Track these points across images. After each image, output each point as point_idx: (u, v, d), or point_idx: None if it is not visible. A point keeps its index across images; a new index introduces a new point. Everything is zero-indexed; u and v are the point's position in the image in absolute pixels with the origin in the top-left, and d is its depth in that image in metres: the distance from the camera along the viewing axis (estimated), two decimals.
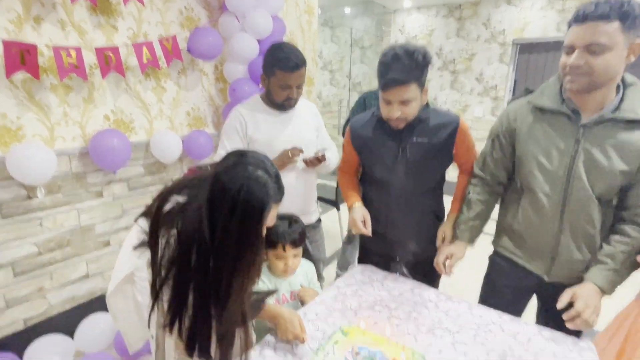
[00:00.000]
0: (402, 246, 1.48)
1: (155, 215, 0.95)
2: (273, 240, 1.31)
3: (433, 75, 5.32)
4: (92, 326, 1.91)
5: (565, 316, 1.15)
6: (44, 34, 1.68)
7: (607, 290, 1.17)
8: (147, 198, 2.18)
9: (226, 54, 2.32)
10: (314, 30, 3.15)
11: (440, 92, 5.38)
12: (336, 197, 3.22)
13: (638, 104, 1.09)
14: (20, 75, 1.63)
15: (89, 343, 1.88)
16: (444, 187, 1.55)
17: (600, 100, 1.11)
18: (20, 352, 1.74)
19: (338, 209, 3.29)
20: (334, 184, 3.24)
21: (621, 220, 1.20)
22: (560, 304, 1.18)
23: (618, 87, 1.12)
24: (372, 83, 5.60)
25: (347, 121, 2.42)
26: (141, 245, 0.98)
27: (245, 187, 0.86)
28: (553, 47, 4.55)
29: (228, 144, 1.62)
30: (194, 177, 1.02)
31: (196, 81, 2.36)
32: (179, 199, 0.97)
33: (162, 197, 0.98)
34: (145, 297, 1.11)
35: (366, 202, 1.54)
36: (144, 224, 0.98)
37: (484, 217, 1.42)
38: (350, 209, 1.53)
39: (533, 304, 1.45)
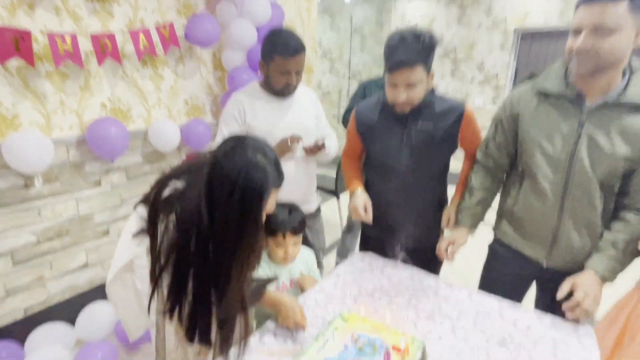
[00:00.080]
0: (404, 233, 1.47)
1: (154, 202, 0.94)
2: (273, 228, 1.30)
3: (434, 64, 5.27)
4: (93, 315, 1.92)
5: (564, 306, 1.15)
6: (38, 20, 1.65)
7: (608, 277, 1.17)
8: (145, 187, 2.16)
9: (224, 41, 2.29)
10: (313, 18, 3.11)
11: (440, 81, 5.33)
12: (336, 186, 3.21)
13: None
14: (14, 62, 1.60)
15: (90, 331, 1.88)
16: (448, 178, 1.54)
17: (605, 84, 1.10)
18: (21, 340, 1.74)
19: (338, 198, 3.28)
20: (334, 174, 3.23)
21: (623, 207, 1.19)
22: (560, 293, 1.17)
23: (624, 71, 1.11)
24: (372, 72, 5.55)
25: (347, 110, 2.40)
26: (140, 232, 0.97)
27: (244, 172, 0.85)
28: (555, 35, 4.50)
29: (227, 132, 1.60)
30: (193, 163, 1.01)
31: (194, 69, 2.33)
32: (177, 184, 0.96)
33: (161, 183, 0.97)
34: (144, 285, 1.11)
35: (369, 188, 1.53)
36: (143, 211, 0.97)
37: (485, 204, 1.42)
38: (351, 194, 1.52)
39: (532, 293, 1.45)
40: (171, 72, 2.21)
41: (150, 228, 0.94)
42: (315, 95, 1.84)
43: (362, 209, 1.42)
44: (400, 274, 1.42)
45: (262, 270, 1.35)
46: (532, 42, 4.69)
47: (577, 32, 1.06)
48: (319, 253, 1.88)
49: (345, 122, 2.41)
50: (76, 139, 1.86)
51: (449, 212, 1.46)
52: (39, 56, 1.66)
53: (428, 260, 1.50)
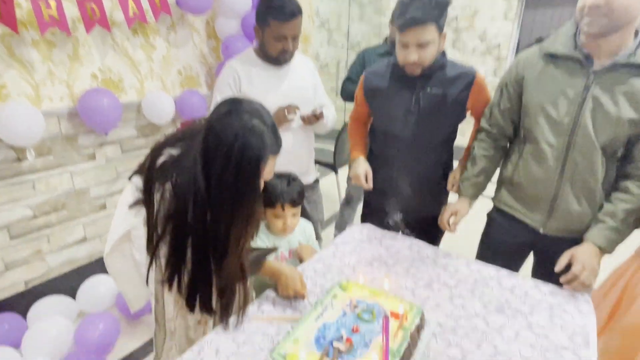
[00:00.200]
0: (407, 201, 1.46)
1: (149, 170, 0.92)
2: (272, 199, 1.28)
3: None
4: (94, 287, 1.94)
5: (562, 279, 1.16)
6: None
7: (607, 249, 1.17)
8: (141, 161, 2.14)
9: (217, 8, 2.20)
10: None
11: None
12: (334, 160, 3.18)
13: None
14: None
15: (91, 303, 1.91)
16: (454, 151, 1.52)
17: (615, 45, 1.06)
18: (23, 313, 1.76)
19: (336, 172, 3.26)
20: (332, 148, 3.19)
21: (624, 176, 1.18)
22: (559, 266, 1.18)
23: (637, 32, 1.07)
24: (371, 43, 5.38)
25: (346, 80, 2.34)
26: (137, 203, 0.95)
27: (241, 137, 0.82)
28: (561, 2, 4.35)
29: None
30: (187, 129, 0.98)
31: (187, 38, 2.25)
32: (172, 152, 0.93)
33: (155, 152, 0.95)
34: (143, 255, 1.10)
35: (373, 155, 1.52)
36: (139, 181, 0.95)
37: (488, 173, 1.40)
38: (353, 161, 1.52)
39: (528, 264, 1.45)
40: (163, 40, 2.13)
41: (146, 197, 0.92)
42: (313, 64, 1.78)
43: (364, 177, 1.42)
44: (399, 244, 1.42)
45: (261, 241, 1.35)
46: (537, 8, 4.54)
47: None
48: (318, 225, 1.88)
49: (343, 92, 2.35)
50: (67, 111, 1.81)
51: (454, 175, 1.45)
52: (23, 23, 1.59)
53: (430, 230, 1.49)
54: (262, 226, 1.36)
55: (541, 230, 1.28)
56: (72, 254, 2.00)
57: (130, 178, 1.01)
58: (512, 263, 1.40)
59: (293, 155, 1.65)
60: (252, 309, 1.05)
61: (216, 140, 0.83)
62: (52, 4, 1.56)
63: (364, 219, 1.66)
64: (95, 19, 1.70)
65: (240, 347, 0.91)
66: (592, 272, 1.14)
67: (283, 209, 1.29)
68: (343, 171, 3.02)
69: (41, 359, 1.54)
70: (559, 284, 1.18)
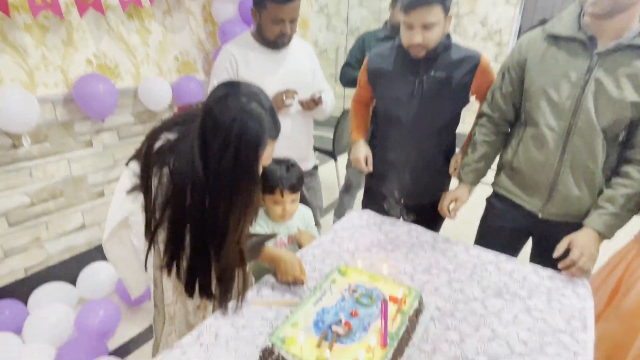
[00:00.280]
0: (408, 187, 1.45)
1: (146, 155, 0.91)
2: (271, 185, 1.27)
3: None
4: (94, 274, 1.94)
5: (560, 265, 1.16)
6: None
7: (606, 234, 1.16)
8: (138, 147, 2.13)
9: None
10: None
11: None
12: (333, 147, 3.16)
13: None
14: None
15: (91, 290, 1.91)
16: (456, 141, 1.51)
17: (620, 27, 1.04)
18: (23, 299, 1.77)
19: (335, 159, 3.25)
20: (331, 135, 3.17)
21: (625, 162, 1.17)
22: (557, 252, 1.18)
23: None
24: (371, 28, 5.29)
25: (345, 65, 2.30)
26: (134, 189, 0.94)
27: (239, 121, 0.81)
28: None
29: None
30: (184, 114, 0.97)
31: (183, 22, 2.21)
32: (169, 136, 0.92)
33: (152, 136, 0.93)
34: (141, 241, 1.10)
35: (375, 139, 1.51)
36: (136, 167, 0.94)
37: (489, 159, 1.39)
38: (353, 143, 1.52)
39: (526, 251, 1.45)
40: (159, 25, 2.09)
41: (144, 183, 0.91)
42: (312, 48, 1.75)
43: (363, 161, 1.43)
44: (398, 229, 1.42)
45: (260, 227, 1.34)
46: None
47: None
48: (317, 211, 1.88)
49: (342, 78, 2.32)
50: (63, 97, 1.79)
51: (456, 159, 1.45)
52: (15, 6, 1.56)
53: (430, 216, 1.49)
54: (261, 212, 1.35)
55: (540, 215, 1.28)
56: (71, 241, 2.00)
57: (127, 164, 1.00)
58: (511, 249, 1.40)
59: (291, 141, 1.63)
60: (251, 294, 1.05)
61: (214, 125, 0.82)
62: None
63: (365, 203, 1.66)
64: (88, 2, 1.67)
65: (239, 332, 0.91)
66: (590, 257, 1.14)
67: (282, 195, 1.28)
68: (342, 158, 3.00)
69: (42, 345, 1.55)
70: (558, 269, 1.18)
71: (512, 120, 1.34)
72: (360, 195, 1.72)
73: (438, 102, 1.35)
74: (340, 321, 0.86)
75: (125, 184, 0.98)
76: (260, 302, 1.03)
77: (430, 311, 0.99)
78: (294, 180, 1.29)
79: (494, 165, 1.43)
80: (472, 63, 1.32)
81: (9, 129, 1.57)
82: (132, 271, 1.30)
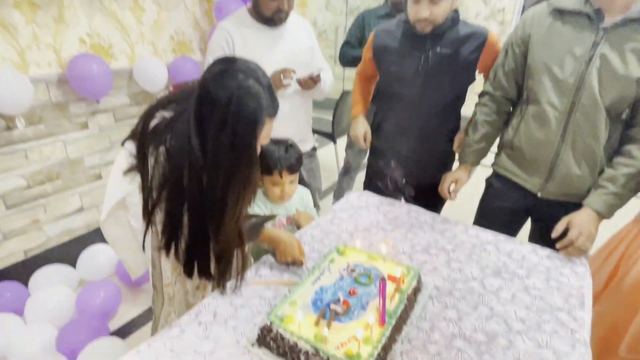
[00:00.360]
0: (411, 167, 1.44)
1: (142, 134, 0.89)
2: (269, 166, 1.26)
3: None
4: (93, 256, 1.95)
5: (558, 245, 1.16)
6: None
7: (605, 214, 1.16)
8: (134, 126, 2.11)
9: None
10: None
11: None
12: (333, 130, 3.13)
13: None
14: None
15: (91, 272, 1.92)
16: (460, 122, 1.49)
17: (627, 1, 1.00)
18: (24, 281, 1.78)
19: (335, 142, 3.22)
20: (330, 117, 3.13)
21: (628, 140, 1.15)
22: (555, 232, 1.18)
23: None
24: (372, 7, 5.17)
25: (344, 44, 2.25)
26: (131, 169, 0.93)
27: (236, 98, 0.79)
28: None
29: None
30: (180, 91, 0.94)
31: (177, 0, 2.14)
32: (165, 114, 0.90)
33: (147, 115, 0.91)
34: (139, 222, 1.09)
35: (378, 117, 1.50)
36: (132, 147, 0.92)
37: (490, 139, 1.38)
38: (353, 119, 1.52)
39: (526, 231, 1.45)
40: (152, 2, 2.03)
41: (140, 163, 0.89)
42: (310, 25, 1.71)
43: (362, 138, 1.44)
44: (397, 210, 1.41)
45: (259, 208, 1.33)
46: None
47: None
48: (315, 193, 1.87)
49: (342, 57, 2.27)
50: (56, 78, 1.76)
51: (460, 137, 1.43)
52: None
53: (431, 197, 1.48)
54: (260, 194, 1.35)
55: (539, 195, 1.27)
56: (69, 223, 1.99)
57: (123, 144, 0.98)
58: (510, 229, 1.40)
59: (290, 122, 1.61)
60: (249, 274, 1.05)
61: (210, 102, 0.80)
62: None
63: (367, 183, 1.65)
64: None
65: (238, 310, 0.91)
66: (589, 237, 1.13)
67: (281, 175, 1.27)
68: (342, 141, 2.97)
69: (44, 325, 1.57)
70: (556, 249, 1.18)
71: (514, 98, 1.31)
72: (359, 178, 1.71)
73: (443, 80, 1.32)
74: (338, 300, 0.86)
75: (122, 165, 0.97)
76: (258, 281, 1.03)
77: (428, 290, 0.99)
78: (292, 161, 1.28)
79: (494, 148, 1.41)
80: (480, 39, 1.29)
81: (2, 111, 1.54)
82: (131, 252, 1.29)
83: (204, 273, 0.93)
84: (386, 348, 0.77)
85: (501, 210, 1.40)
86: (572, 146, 1.16)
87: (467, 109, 1.48)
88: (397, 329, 0.83)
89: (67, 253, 1.96)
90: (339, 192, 2.65)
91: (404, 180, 1.46)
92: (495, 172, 1.40)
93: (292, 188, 1.33)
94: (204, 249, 0.91)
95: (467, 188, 1.40)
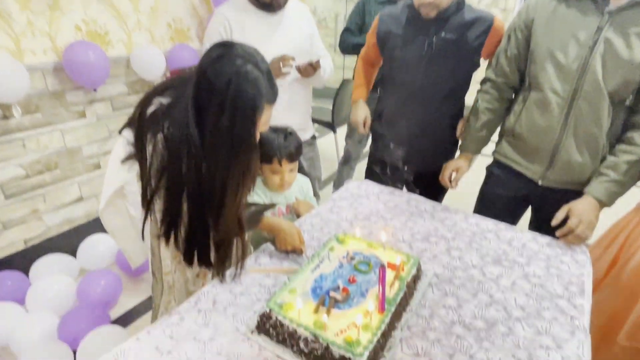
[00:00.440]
0: (413, 154, 1.43)
1: (139, 121, 0.88)
2: (268, 154, 1.25)
3: None
4: (94, 246, 1.95)
5: (558, 232, 1.16)
6: None
7: (606, 202, 1.15)
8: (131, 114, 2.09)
9: None
10: None
11: None
12: (332, 119, 3.11)
13: None
14: None
15: (92, 262, 1.93)
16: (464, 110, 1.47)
17: None
18: (25, 271, 1.78)
19: (335, 131, 3.20)
20: (330, 106, 3.11)
21: (631, 127, 1.14)
22: (555, 220, 1.17)
23: None
24: None
25: (344, 30, 2.22)
26: (129, 157, 0.92)
27: (234, 84, 0.77)
28: None
29: None
30: (177, 77, 0.93)
31: None
32: (162, 100, 0.88)
33: (145, 101, 0.90)
34: (138, 211, 1.08)
35: (381, 104, 1.49)
36: (129, 135, 0.91)
37: (491, 127, 1.36)
38: (354, 103, 1.53)
39: (526, 220, 1.44)
40: None
41: (138, 150, 0.88)
42: (309, 12, 1.68)
43: (362, 123, 1.45)
44: (397, 199, 1.41)
45: (258, 197, 1.33)
46: None
47: None
48: (315, 182, 1.86)
49: (342, 44, 2.24)
50: (53, 66, 1.73)
51: (464, 122, 1.42)
52: None
53: (433, 186, 1.47)
54: (259, 182, 1.34)
55: (540, 182, 1.26)
56: (69, 213, 1.99)
57: (120, 132, 0.97)
58: (510, 217, 1.39)
59: (289, 110, 1.59)
60: (249, 262, 1.05)
61: (208, 88, 0.78)
62: None
63: (369, 171, 1.64)
64: None
65: (238, 298, 0.91)
66: (589, 225, 1.13)
67: (280, 164, 1.26)
68: (342, 130, 2.96)
69: (45, 314, 1.57)
70: (556, 237, 1.17)
71: (516, 85, 1.30)
72: (359, 167, 1.70)
73: (447, 66, 1.31)
74: (338, 287, 0.85)
75: (119, 153, 0.95)
76: (258, 269, 1.02)
77: (428, 278, 0.99)
78: (292, 149, 1.27)
79: (495, 137, 1.40)
80: (485, 25, 1.27)
81: None
82: (130, 241, 1.29)
83: (204, 261, 0.93)
84: (385, 335, 0.77)
85: (501, 199, 1.39)
86: (574, 133, 1.15)
87: (471, 97, 1.46)
88: (397, 316, 0.83)
89: (67, 242, 1.96)
90: (338, 181, 2.64)
91: (405, 167, 1.45)
92: (496, 160, 1.39)
93: (291, 176, 1.32)
94: (204, 237, 0.90)
95: (470, 177, 1.39)
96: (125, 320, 1.74)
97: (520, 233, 1.22)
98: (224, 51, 0.80)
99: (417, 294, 0.93)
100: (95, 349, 1.41)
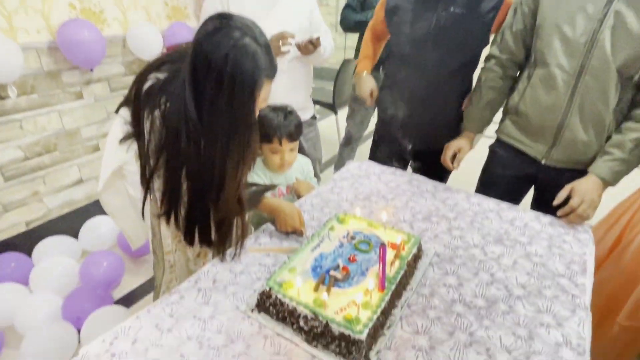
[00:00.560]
0: (419, 132, 1.41)
1: (135, 98, 0.86)
2: (268, 134, 1.23)
3: None
4: (95, 228, 1.96)
5: (559, 212, 1.15)
6: None
7: (610, 180, 1.13)
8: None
9: None
10: None
11: None
12: (333, 100, 3.07)
13: None
14: None
15: (94, 243, 1.93)
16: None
17: None
18: (27, 252, 1.79)
19: (336, 113, 3.16)
20: (331, 87, 3.06)
21: (638, 104, 1.11)
22: (557, 199, 1.16)
23: None
24: None
25: (345, 7, 2.16)
26: (127, 137, 0.90)
27: (232, 58, 0.75)
28: None
29: None
30: (174, 52, 0.90)
31: None
32: (159, 75, 0.86)
33: (140, 78, 0.87)
34: (137, 191, 1.08)
35: (388, 81, 1.46)
36: (126, 114, 0.89)
37: (494, 106, 1.33)
38: (358, 76, 1.50)
39: (528, 200, 1.43)
40: None
41: (136, 128, 0.87)
42: None
43: (369, 96, 1.43)
44: (398, 179, 1.39)
45: (259, 178, 1.31)
46: None
47: None
48: (316, 163, 1.84)
49: (343, 21, 2.19)
50: (47, 45, 1.70)
51: (470, 97, 1.39)
52: None
53: (437, 166, 1.45)
54: (260, 163, 1.32)
55: (543, 162, 1.24)
56: (69, 195, 1.99)
57: (117, 111, 0.95)
58: (512, 197, 1.38)
59: (289, 89, 1.56)
60: (249, 241, 1.04)
61: (205, 63, 0.75)
62: None
63: (373, 151, 1.62)
64: None
65: (237, 277, 0.91)
66: (591, 204, 1.11)
67: (280, 143, 1.24)
68: (343, 112, 2.92)
69: (49, 294, 1.59)
70: (559, 217, 1.16)
71: (521, 62, 1.26)
72: (361, 149, 1.68)
73: (455, 41, 1.27)
74: (338, 266, 0.85)
75: (117, 133, 0.94)
76: (258, 249, 1.02)
77: (429, 257, 0.98)
78: (292, 128, 1.25)
79: (497, 118, 1.37)
80: (496, 0, 1.23)
81: None
82: (130, 221, 1.29)
83: (205, 240, 0.93)
84: (385, 313, 0.77)
85: (504, 178, 1.37)
86: (579, 110, 1.13)
87: None
88: (397, 294, 0.83)
89: (68, 224, 1.96)
90: (339, 163, 2.62)
91: (410, 146, 1.42)
92: (499, 140, 1.37)
93: (292, 156, 1.31)
94: (204, 216, 0.89)
95: (475, 159, 1.37)
96: (128, 300, 1.76)
97: (522, 212, 1.21)
98: (221, 23, 0.77)
99: (418, 273, 0.93)
100: (99, 329, 1.43)
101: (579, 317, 0.82)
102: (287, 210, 1.07)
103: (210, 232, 0.91)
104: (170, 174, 0.85)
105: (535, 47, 1.17)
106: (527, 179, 1.35)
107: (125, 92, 2.00)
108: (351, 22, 2.11)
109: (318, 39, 1.44)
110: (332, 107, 3.09)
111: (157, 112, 0.82)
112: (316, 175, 1.80)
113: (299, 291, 0.78)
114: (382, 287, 0.80)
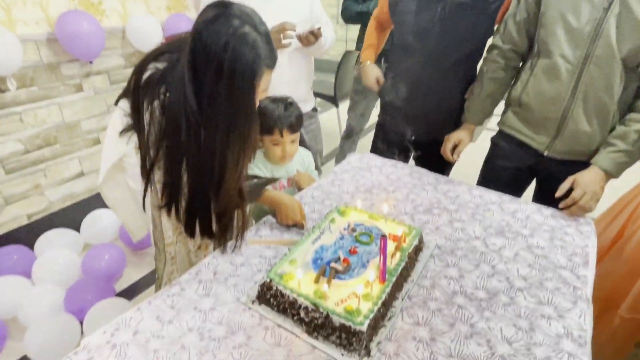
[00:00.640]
0: (423, 122, 1.40)
1: (135, 89, 0.85)
2: (269, 125, 1.22)
3: None
4: (97, 220, 1.96)
5: (561, 204, 1.14)
6: None
7: (613, 172, 1.12)
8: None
9: None
10: None
11: None
12: (335, 93, 3.05)
13: None
14: None
15: (95, 236, 1.94)
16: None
17: None
18: (30, 245, 1.80)
19: (337, 105, 3.14)
20: (333, 79, 3.04)
21: None
22: (559, 191, 1.15)
23: None
24: None
25: None
26: (127, 129, 0.89)
27: (231, 48, 0.73)
28: None
29: None
30: (172, 42, 0.89)
31: None
32: (158, 65, 0.85)
33: (140, 68, 0.86)
34: (138, 184, 1.07)
35: (392, 71, 1.45)
36: (126, 105, 0.88)
37: (495, 97, 1.32)
38: (362, 65, 1.52)
39: (530, 192, 1.42)
40: None
41: (135, 120, 0.86)
42: None
43: (375, 84, 1.44)
44: (399, 171, 1.39)
45: (259, 170, 1.31)
46: None
47: None
48: (317, 156, 1.83)
49: (345, 12, 2.17)
50: (46, 37, 1.68)
51: (473, 88, 1.38)
52: None
53: (440, 160, 1.44)
54: (260, 155, 1.32)
55: (545, 153, 1.23)
56: (71, 188, 1.99)
57: (116, 103, 0.94)
58: (514, 189, 1.37)
59: (289, 81, 1.54)
60: (250, 234, 1.04)
61: (204, 52, 0.74)
62: None
63: (375, 143, 1.61)
64: None
65: (238, 269, 0.91)
66: (593, 196, 1.11)
67: (281, 134, 1.23)
68: (344, 105, 2.90)
69: (51, 287, 1.60)
70: (561, 209, 1.16)
71: (524, 52, 1.24)
72: (362, 142, 1.67)
73: (460, 31, 1.26)
74: (338, 258, 0.85)
75: (117, 125, 0.93)
76: (258, 241, 1.02)
77: (430, 249, 0.98)
78: (293, 120, 1.24)
79: (499, 110, 1.36)
80: None
81: None
82: (131, 214, 1.29)
83: (205, 232, 0.93)
84: (386, 304, 0.77)
85: (506, 170, 1.37)
86: (583, 101, 1.11)
87: None
88: (398, 286, 0.83)
89: (70, 217, 1.97)
90: (341, 156, 2.61)
91: (413, 137, 1.41)
92: (501, 131, 1.35)
93: (292, 148, 1.30)
94: (205, 208, 0.89)
95: (477, 151, 1.36)
96: (129, 293, 1.77)
97: (524, 205, 1.20)
98: (220, 11, 0.76)
99: (419, 265, 0.92)
100: (101, 321, 1.44)
101: (580, 309, 0.82)
102: (288, 202, 1.07)
103: (211, 224, 0.91)
104: (170, 165, 0.85)
105: (538, 37, 1.16)
106: (529, 171, 1.34)
107: (125, 84, 1.99)
108: (352, 13, 2.09)
109: (319, 29, 1.42)
110: (334, 100, 3.08)
111: (156, 103, 0.81)
112: (317, 167, 1.79)
113: (300, 283, 0.78)
114: (382, 279, 0.80)
